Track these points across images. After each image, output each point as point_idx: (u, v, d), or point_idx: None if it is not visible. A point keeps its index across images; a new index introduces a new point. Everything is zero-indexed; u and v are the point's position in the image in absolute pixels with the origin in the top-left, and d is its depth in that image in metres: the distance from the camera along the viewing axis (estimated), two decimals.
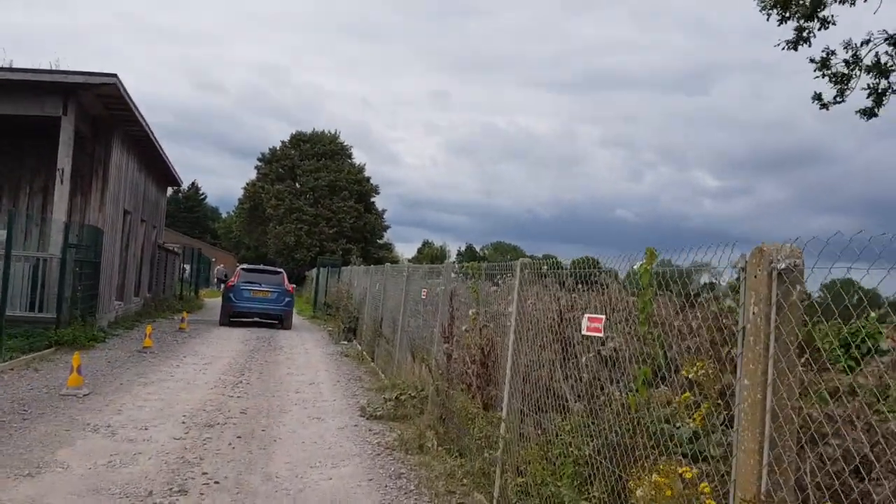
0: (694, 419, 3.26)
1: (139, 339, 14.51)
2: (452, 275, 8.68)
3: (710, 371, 3.24)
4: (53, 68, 12.98)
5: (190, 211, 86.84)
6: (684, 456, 3.29)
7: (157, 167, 23.28)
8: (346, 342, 18.48)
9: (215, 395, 9.63)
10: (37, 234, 15.24)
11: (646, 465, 3.31)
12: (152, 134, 18.15)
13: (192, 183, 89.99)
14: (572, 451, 4.13)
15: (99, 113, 15.37)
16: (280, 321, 21.26)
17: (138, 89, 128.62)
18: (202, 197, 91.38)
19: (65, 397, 8.48)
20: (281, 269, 23.69)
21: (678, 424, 3.46)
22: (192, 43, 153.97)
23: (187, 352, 13.98)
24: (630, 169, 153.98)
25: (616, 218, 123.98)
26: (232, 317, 20.79)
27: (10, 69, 12.69)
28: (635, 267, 4.01)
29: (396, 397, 8.93)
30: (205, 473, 5.98)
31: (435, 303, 9.85)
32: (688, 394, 3.38)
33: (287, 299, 21.20)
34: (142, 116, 16.08)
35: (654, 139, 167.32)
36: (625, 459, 3.65)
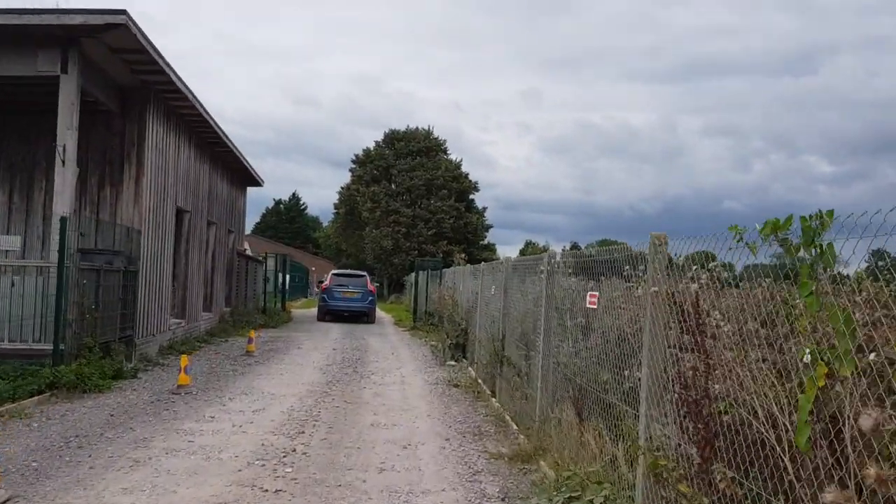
0: None
1: (190, 371, 10.50)
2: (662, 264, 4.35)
3: None
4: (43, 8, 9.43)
5: (292, 222, 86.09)
6: None
7: (227, 162, 19.95)
8: (453, 362, 14.43)
9: (241, 485, 5.64)
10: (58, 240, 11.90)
11: None
12: (206, 112, 14.62)
13: (293, 194, 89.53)
14: None
15: (125, 81, 11.88)
16: (366, 316, 25.45)
17: (239, 108, 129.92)
18: (303, 207, 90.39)
19: None
20: (364, 273, 27.42)
21: None
22: (286, 59, 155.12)
23: (239, 389, 10.18)
24: (737, 158, 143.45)
25: (724, 210, 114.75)
26: (327, 314, 25.07)
27: None
28: None
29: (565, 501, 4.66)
30: None
31: (601, 318, 5.55)
32: None
33: (370, 298, 25.54)
34: (183, 83, 12.49)
35: (761, 125, 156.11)
36: None
